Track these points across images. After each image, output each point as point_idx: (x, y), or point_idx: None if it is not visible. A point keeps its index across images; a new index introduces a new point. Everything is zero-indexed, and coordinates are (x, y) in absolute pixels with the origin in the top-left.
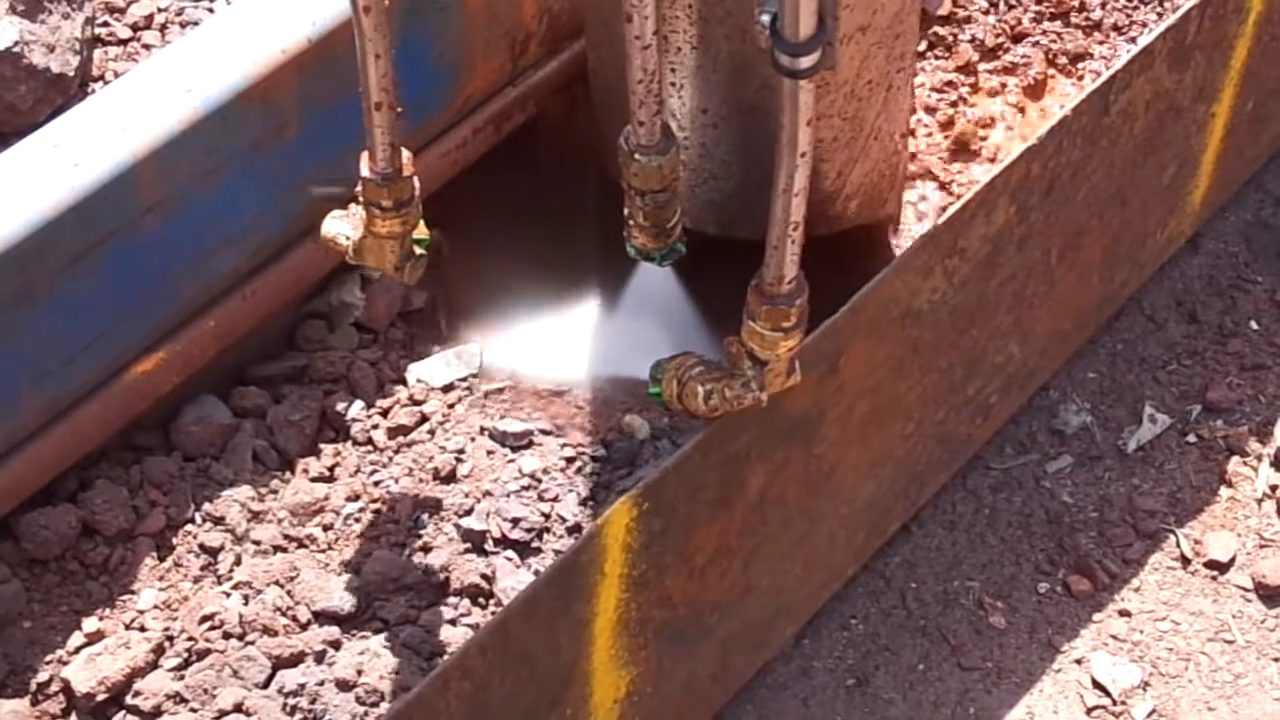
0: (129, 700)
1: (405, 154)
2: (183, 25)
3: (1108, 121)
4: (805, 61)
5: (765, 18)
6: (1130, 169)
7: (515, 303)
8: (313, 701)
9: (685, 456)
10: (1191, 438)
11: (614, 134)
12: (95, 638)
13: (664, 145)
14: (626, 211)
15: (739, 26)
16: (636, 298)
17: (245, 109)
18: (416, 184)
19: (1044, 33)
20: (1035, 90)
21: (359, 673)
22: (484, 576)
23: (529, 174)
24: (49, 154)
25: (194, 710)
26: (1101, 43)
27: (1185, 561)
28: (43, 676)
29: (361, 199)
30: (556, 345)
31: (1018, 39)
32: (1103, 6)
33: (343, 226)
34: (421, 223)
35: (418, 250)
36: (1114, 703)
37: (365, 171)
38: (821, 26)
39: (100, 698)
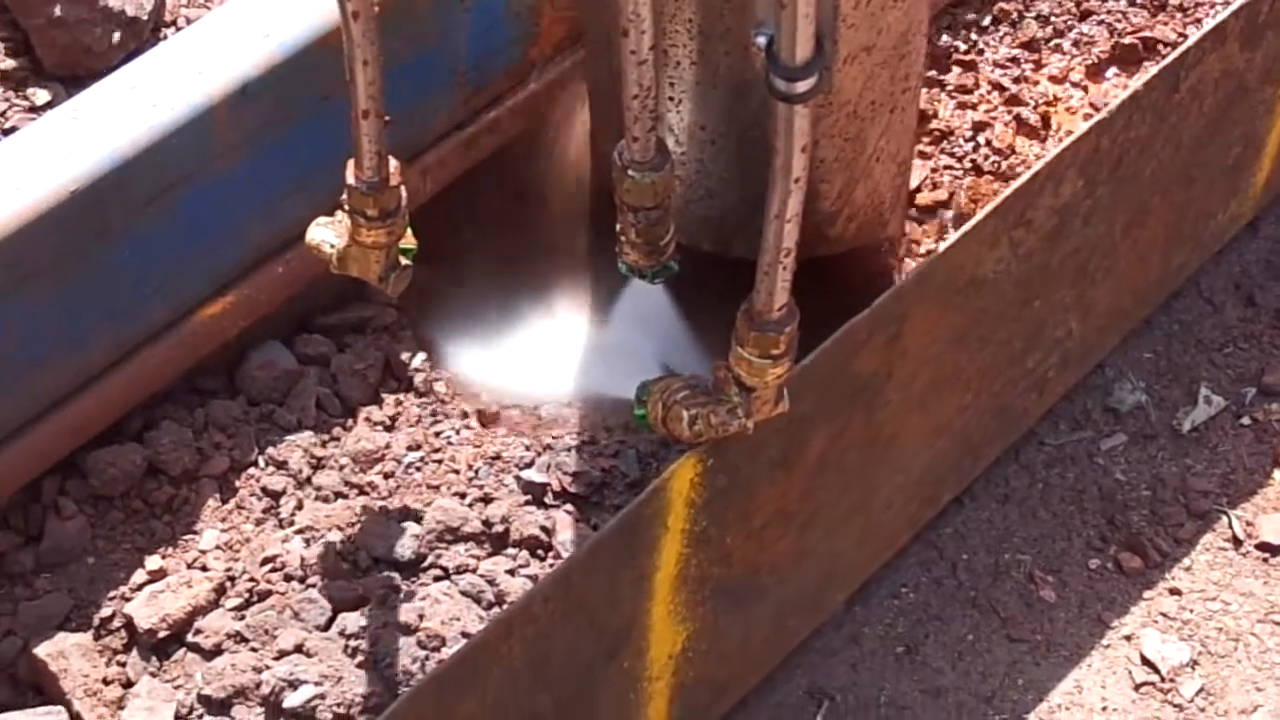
0: (190, 638)
1: (393, 163)
2: None
3: (1177, 98)
4: (802, 86)
5: (761, 40)
6: (1196, 148)
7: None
8: (374, 644)
9: None
10: (1246, 420)
11: (609, 147)
12: (158, 575)
13: (658, 161)
14: (619, 227)
15: (739, 43)
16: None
17: (321, 55)
18: (403, 193)
19: (1108, 11)
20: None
21: (420, 617)
22: (543, 529)
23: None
24: (127, 95)
25: (254, 650)
26: (1165, 24)
27: (1237, 543)
28: (106, 612)
29: (346, 207)
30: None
31: (1084, 17)
32: None
33: (327, 234)
34: (409, 232)
35: (403, 260)
36: (1162, 680)
37: (351, 179)
38: (819, 50)
39: (162, 634)
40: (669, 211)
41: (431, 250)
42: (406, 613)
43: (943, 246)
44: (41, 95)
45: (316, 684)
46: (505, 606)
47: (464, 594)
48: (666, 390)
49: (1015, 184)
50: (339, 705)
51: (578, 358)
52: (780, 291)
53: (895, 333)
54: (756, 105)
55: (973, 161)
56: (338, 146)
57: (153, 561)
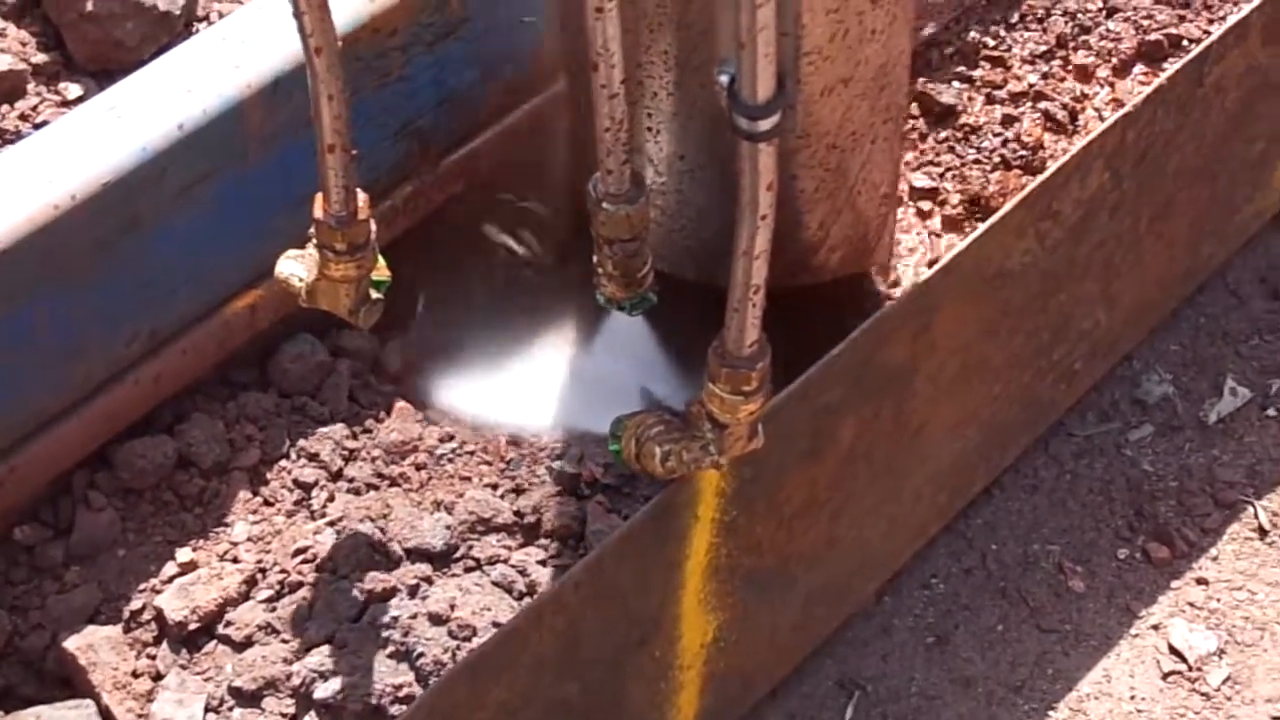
0: (220, 630)
1: (361, 197)
2: None
3: (1201, 93)
4: (764, 124)
5: (724, 78)
6: (1220, 142)
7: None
8: (405, 634)
9: (778, 405)
10: (1271, 411)
11: (586, 179)
12: (188, 568)
13: (632, 194)
14: (595, 259)
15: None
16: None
17: (350, 51)
18: (373, 227)
19: (1134, 9)
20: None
21: (452, 608)
22: (575, 519)
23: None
24: (161, 86)
25: (285, 641)
26: (1191, 20)
27: (1263, 533)
28: (136, 604)
29: (315, 242)
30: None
31: (1110, 14)
32: None
33: (296, 268)
34: (382, 263)
35: (374, 294)
36: (1190, 668)
37: (319, 214)
38: (781, 89)
39: (192, 626)
40: (645, 243)
41: (409, 280)
42: (438, 603)
43: (970, 238)
44: (73, 89)
45: (347, 675)
46: (537, 595)
47: (495, 584)
48: (640, 426)
49: (1042, 176)
50: (370, 696)
51: (559, 389)
52: (750, 328)
53: (924, 324)
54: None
55: (1001, 156)
56: (368, 141)
57: (183, 554)
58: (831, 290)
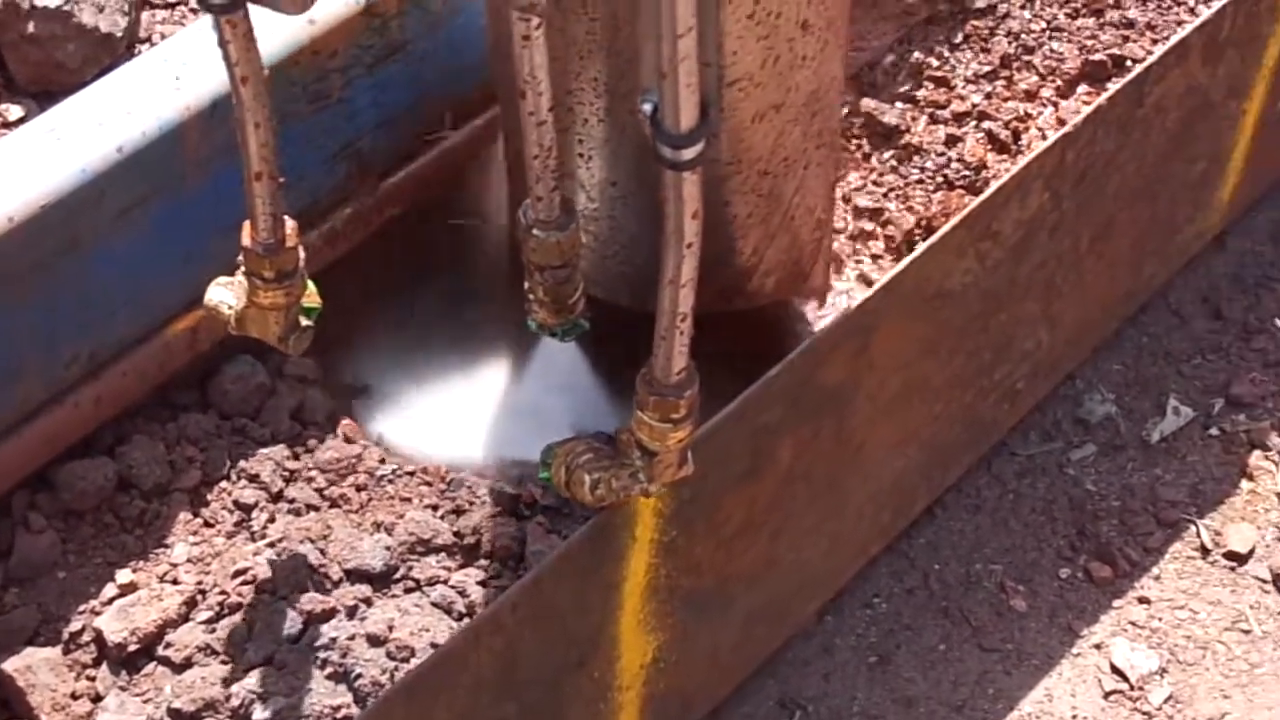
0: (160, 651)
1: (289, 224)
2: None
3: (1141, 113)
4: (688, 153)
5: (647, 106)
6: (1161, 162)
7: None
8: (343, 656)
9: (716, 425)
10: (1214, 431)
11: (518, 205)
12: (128, 589)
13: (563, 221)
14: (527, 285)
15: None
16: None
17: (291, 74)
18: (301, 254)
19: (1078, 29)
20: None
21: (390, 629)
22: (515, 540)
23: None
24: (101, 107)
25: (224, 662)
26: (1135, 41)
27: (1205, 552)
28: (75, 626)
29: (243, 269)
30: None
31: (1053, 34)
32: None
33: (226, 295)
34: (313, 290)
35: (304, 321)
36: (1131, 688)
37: (247, 242)
38: (705, 117)
39: (132, 648)
40: (577, 270)
41: (346, 304)
42: (376, 624)
43: (909, 258)
44: (14, 111)
45: (286, 696)
46: (475, 615)
47: (435, 605)
48: (570, 453)
49: (981, 197)
50: (308, 717)
51: (493, 417)
52: (678, 356)
53: (863, 344)
54: None
55: (944, 176)
56: (305, 161)
57: (123, 575)
58: (768, 314)
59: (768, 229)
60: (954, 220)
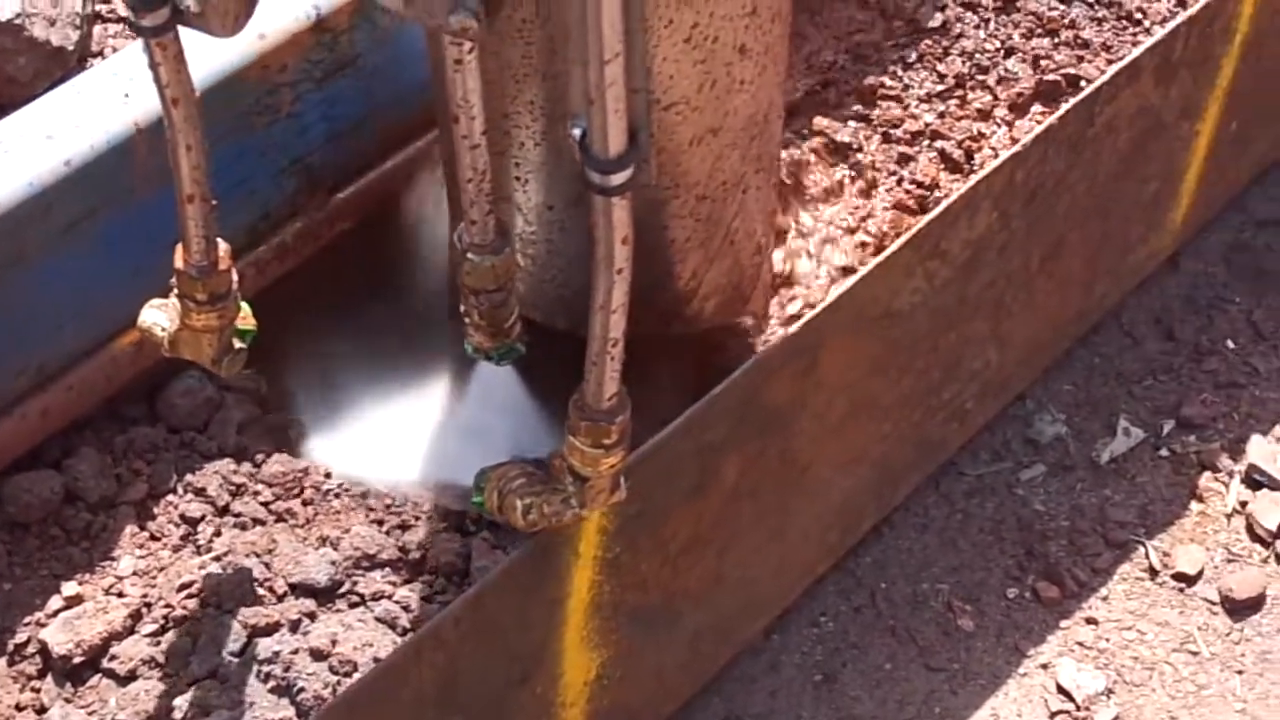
0: (105, 664)
1: (223, 247)
2: None
3: (1092, 133)
4: (616, 179)
5: (576, 131)
6: (1113, 182)
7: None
8: (286, 670)
9: (661, 442)
10: (1164, 452)
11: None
12: (74, 601)
13: (498, 244)
14: (463, 309)
15: None
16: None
17: (240, 88)
18: (234, 277)
19: (1032, 49)
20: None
21: (333, 643)
22: (460, 555)
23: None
24: (48, 120)
25: (168, 675)
26: (1090, 61)
27: (1153, 573)
28: (20, 638)
29: (176, 291)
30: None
31: (1008, 54)
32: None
33: (159, 316)
34: (248, 312)
35: (237, 344)
36: (1077, 708)
37: (179, 264)
38: (634, 143)
39: (77, 660)
40: (512, 294)
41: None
42: (320, 639)
43: (855, 277)
44: None
45: (229, 710)
46: (416, 630)
47: (379, 620)
48: (503, 478)
49: (928, 216)
50: None
51: (431, 439)
52: (610, 381)
53: (809, 362)
54: None
55: (895, 196)
56: (252, 177)
57: (69, 588)
58: (708, 338)
59: (707, 253)
60: (901, 240)
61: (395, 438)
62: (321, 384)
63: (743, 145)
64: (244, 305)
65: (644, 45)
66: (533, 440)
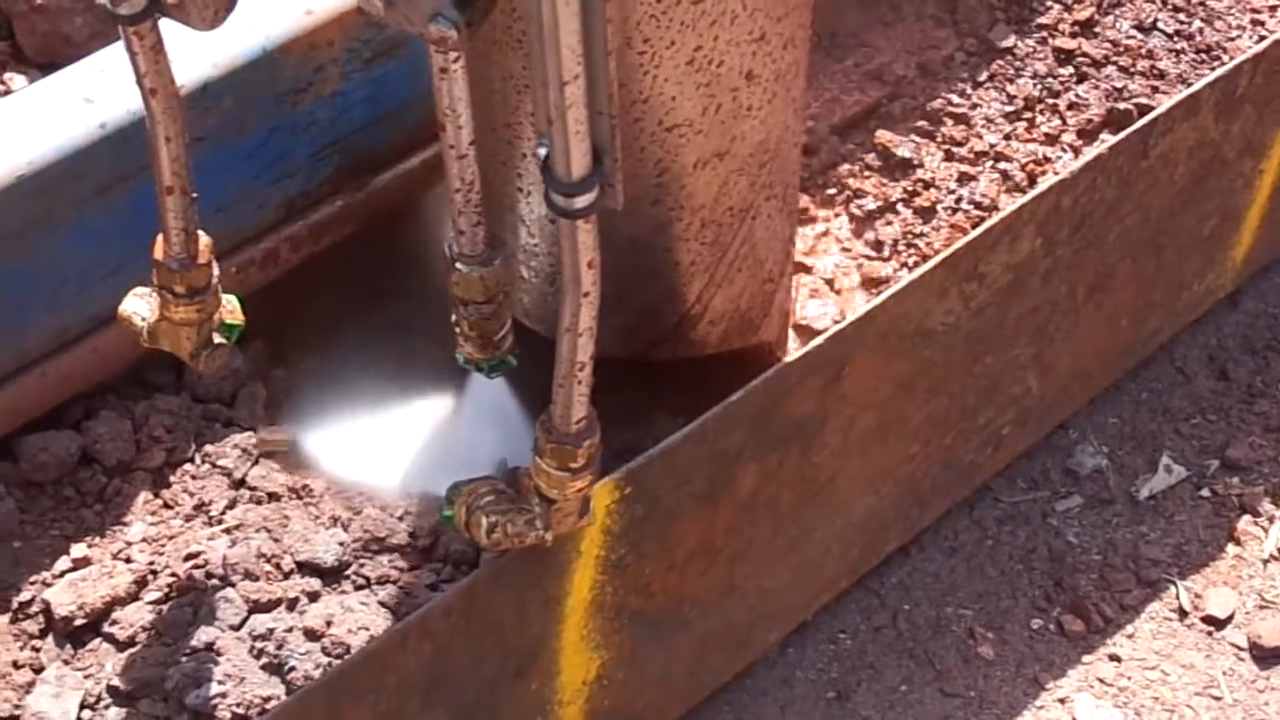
0: (105, 628)
1: (203, 240)
2: None
3: (1145, 165)
4: (580, 201)
5: (542, 151)
6: (1168, 216)
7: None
8: (279, 647)
9: (673, 446)
10: (1205, 492)
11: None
12: (81, 563)
13: (487, 256)
14: (453, 319)
15: None
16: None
17: (283, 60)
18: (215, 271)
19: (1105, 77)
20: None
21: (328, 624)
22: (471, 545)
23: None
24: (88, 83)
25: (166, 644)
26: (1166, 93)
27: (1183, 614)
28: (25, 596)
29: (155, 283)
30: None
31: (1080, 80)
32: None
33: (140, 306)
34: (236, 308)
35: (217, 339)
36: None
37: (159, 255)
38: (598, 165)
39: (78, 622)
40: (503, 306)
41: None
42: (316, 618)
43: (885, 294)
44: (19, 81)
45: (220, 683)
46: (404, 618)
47: (381, 604)
48: (473, 494)
49: (966, 238)
50: (239, 705)
51: (420, 449)
52: (578, 405)
53: (834, 375)
54: None
55: (951, 212)
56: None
57: (78, 549)
58: (722, 363)
59: (712, 278)
60: (934, 260)
61: (385, 447)
62: (332, 380)
63: (751, 171)
64: (232, 300)
65: (608, 69)
66: (525, 454)
